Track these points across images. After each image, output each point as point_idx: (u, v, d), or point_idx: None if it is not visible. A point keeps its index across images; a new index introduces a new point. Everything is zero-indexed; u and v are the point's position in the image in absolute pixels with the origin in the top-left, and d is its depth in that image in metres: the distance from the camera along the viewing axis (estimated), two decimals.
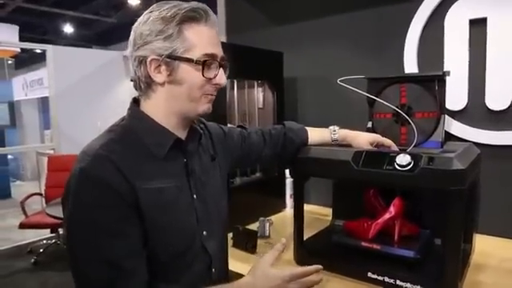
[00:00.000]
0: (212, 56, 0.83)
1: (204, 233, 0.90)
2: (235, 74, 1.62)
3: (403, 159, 1.04)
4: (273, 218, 1.67)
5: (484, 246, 1.36)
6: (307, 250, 1.27)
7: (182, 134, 0.90)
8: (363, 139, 1.23)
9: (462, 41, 1.50)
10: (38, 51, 4.41)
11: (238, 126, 1.26)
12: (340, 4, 1.82)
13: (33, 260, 3.68)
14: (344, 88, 1.35)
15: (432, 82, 1.29)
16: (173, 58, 0.80)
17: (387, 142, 1.24)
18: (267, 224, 1.52)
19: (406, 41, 1.62)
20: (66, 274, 3.55)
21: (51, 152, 4.35)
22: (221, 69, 0.86)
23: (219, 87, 0.87)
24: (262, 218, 1.54)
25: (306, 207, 1.31)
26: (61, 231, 3.90)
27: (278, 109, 1.84)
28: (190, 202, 0.89)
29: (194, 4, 0.82)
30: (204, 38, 0.83)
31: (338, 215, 1.50)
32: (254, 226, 1.58)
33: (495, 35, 1.44)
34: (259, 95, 1.86)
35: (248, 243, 1.39)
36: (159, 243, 0.81)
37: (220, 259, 0.97)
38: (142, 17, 0.83)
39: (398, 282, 1.07)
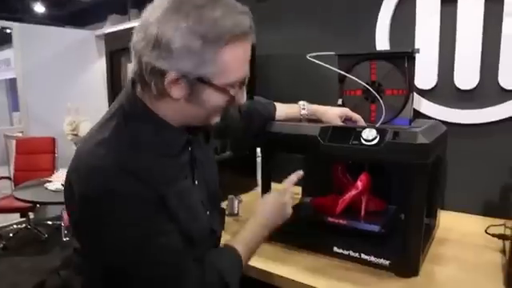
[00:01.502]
0: (242, 80, 0.74)
1: (208, 213, 0.89)
2: None
3: (369, 134, 1.03)
4: (244, 196, 1.65)
5: (449, 221, 1.38)
6: None
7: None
8: (333, 113, 1.22)
9: (433, 20, 1.50)
10: (8, 31, 4.22)
11: None
12: None
13: (2, 245, 3.59)
14: (316, 65, 1.33)
15: (402, 59, 1.29)
16: (200, 81, 0.69)
17: (355, 116, 1.23)
18: (236, 202, 1.50)
19: (379, 18, 1.61)
20: (37, 259, 3.51)
21: (19, 135, 4.21)
22: (244, 88, 0.77)
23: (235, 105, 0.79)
24: (230, 196, 1.52)
25: (276, 186, 1.30)
26: (31, 215, 3.81)
27: (249, 86, 1.79)
28: (197, 192, 0.85)
29: (242, 18, 0.68)
30: (240, 60, 0.71)
31: (307, 192, 1.49)
32: (224, 205, 1.57)
33: (465, 15, 1.44)
34: None
35: None
36: (183, 237, 0.78)
37: (220, 233, 0.98)
38: (172, 8, 0.65)
39: (363, 256, 1.08)
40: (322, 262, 1.12)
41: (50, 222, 4.06)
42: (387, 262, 1.04)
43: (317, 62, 1.31)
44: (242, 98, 0.77)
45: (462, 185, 1.49)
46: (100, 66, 4.29)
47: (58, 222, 3.99)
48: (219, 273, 0.79)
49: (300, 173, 1.03)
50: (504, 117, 1.41)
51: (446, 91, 1.52)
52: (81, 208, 0.71)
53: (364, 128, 1.05)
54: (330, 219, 1.19)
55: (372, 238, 1.13)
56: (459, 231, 1.32)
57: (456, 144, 1.40)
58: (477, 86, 1.45)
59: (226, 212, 1.42)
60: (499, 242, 1.19)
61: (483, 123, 1.45)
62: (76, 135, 2.99)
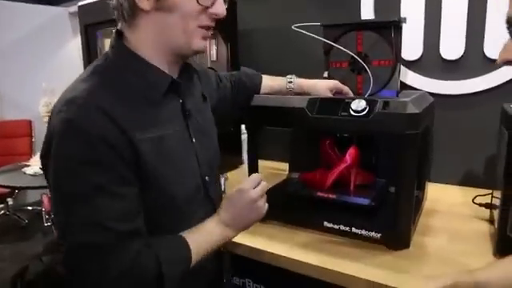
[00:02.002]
0: None
1: (207, 178, 0.85)
2: None
3: (358, 105, 1.00)
4: (229, 174, 1.62)
5: (436, 193, 1.39)
6: None
7: (174, 73, 0.80)
8: (322, 86, 1.19)
9: None
10: None
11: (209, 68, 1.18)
12: None
13: None
14: (300, 38, 1.28)
15: (388, 29, 1.25)
16: None
17: (345, 88, 1.21)
18: (222, 179, 1.46)
19: None
20: (18, 245, 3.42)
21: None
22: None
23: (217, 18, 0.76)
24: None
25: (263, 163, 1.28)
26: (10, 201, 3.71)
27: (232, 61, 1.75)
28: (190, 147, 0.81)
29: None
30: None
31: (294, 168, 1.47)
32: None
33: None
34: (212, 47, 1.77)
35: None
36: (163, 194, 0.73)
37: (219, 204, 0.88)
38: None
39: (354, 230, 1.06)
40: (312, 237, 1.11)
41: (29, 208, 3.95)
42: (378, 235, 1.03)
43: (302, 31, 1.27)
44: (220, 6, 0.75)
45: (447, 156, 1.49)
46: (75, 44, 4.11)
47: (39, 208, 3.89)
48: (157, 259, 0.70)
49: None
50: (489, 87, 1.41)
51: (431, 62, 1.50)
52: (46, 144, 0.68)
53: (353, 99, 1.02)
54: (320, 194, 1.18)
55: (362, 212, 1.12)
56: (447, 202, 1.33)
57: (441, 115, 1.39)
58: (462, 55, 1.43)
59: None
60: (486, 212, 1.19)
61: (468, 93, 1.44)
62: None
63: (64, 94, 0.70)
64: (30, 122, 3.68)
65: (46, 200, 2.57)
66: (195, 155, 0.83)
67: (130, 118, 0.68)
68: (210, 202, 0.87)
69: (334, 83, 1.21)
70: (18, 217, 3.70)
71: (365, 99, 1.01)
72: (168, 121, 0.77)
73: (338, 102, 1.05)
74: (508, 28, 0.70)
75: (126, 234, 0.67)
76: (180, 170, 0.78)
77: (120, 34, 0.76)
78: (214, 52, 1.76)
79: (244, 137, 1.84)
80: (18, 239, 3.36)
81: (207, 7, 0.73)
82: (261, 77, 1.21)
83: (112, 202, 0.66)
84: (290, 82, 1.22)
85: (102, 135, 0.64)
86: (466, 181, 1.47)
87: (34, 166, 2.81)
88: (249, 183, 0.83)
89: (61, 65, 3.97)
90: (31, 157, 3.27)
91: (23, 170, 2.82)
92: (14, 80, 3.83)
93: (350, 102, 1.01)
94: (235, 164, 1.83)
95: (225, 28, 1.72)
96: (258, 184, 0.84)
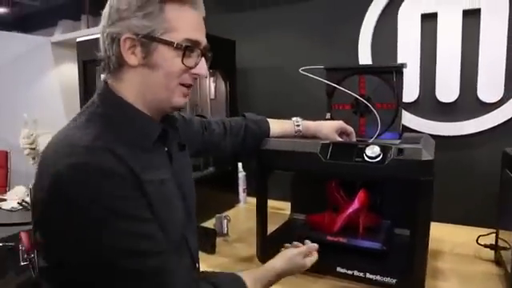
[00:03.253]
0: (195, 43, 0.74)
1: (185, 225, 0.83)
2: None
3: (373, 151, 1.02)
4: (227, 213, 1.59)
5: (437, 233, 1.39)
6: (271, 246, 1.21)
7: (157, 121, 0.80)
8: (328, 128, 1.20)
9: (414, 34, 1.54)
10: None
11: (197, 116, 1.17)
12: None
13: None
14: (299, 78, 1.31)
15: (390, 73, 1.30)
16: (150, 39, 0.71)
17: (349, 129, 1.22)
18: (225, 221, 1.44)
19: (361, 32, 1.63)
20: None
21: None
22: (203, 58, 0.77)
23: (198, 78, 0.78)
24: (218, 215, 1.46)
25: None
26: None
27: (231, 99, 1.76)
28: (176, 194, 0.80)
29: None
30: (188, 22, 0.74)
31: (296, 209, 1.46)
32: (208, 223, 1.50)
33: (445, 30, 1.49)
34: (211, 85, 1.77)
35: (206, 243, 1.30)
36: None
37: (198, 254, 0.91)
38: None
39: (368, 275, 1.06)
40: (327, 283, 1.09)
41: (0, 244, 3.73)
42: (394, 281, 1.02)
43: (309, 75, 1.29)
44: (202, 68, 0.78)
45: (446, 196, 1.51)
46: (56, 74, 4.03)
47: (11, 243, 3.68)
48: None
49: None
50: (483, 128, 1.47)
51: (427, 104, 1.55)
52: (49, 190, 0.64)
53: (366, 145, 1.04)
54: (330, 238, 1.17)
55: (373, 256, 1.12)
56: (450, 242, 1.35)
57: (439, 155, 1.42)
58: (457, 99, 1.50)
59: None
60: (491, 252, 1.22)
61: (464, 135, 1.50)
62: (34, 149, 2.77)
63: (62, 140, 0.69)
64: (6, 153, 3.52)
65: (24, 237, 2.43)
66: (181, 200, 0.82)
67: (134, 161, 0.68)
68: (188, 250, 0.85)
69: (339, 124, 1.23)
70: None
71: (379, 145, 1.02)
72: (162, 166, 0.78)
73: (351, 148, 1.06)
74: None
75: (169, 256, 0.69)
76: (173, 215, 0.78)
77: (106, 83, 0.77)
78: (212, 90, 1.77)
79: (241, 175, 1.82)
80: None
81: (190, 68, 0.75)
82: (267, 122, 1.21)
83: (150, 227, 0.67)
84: (298, 125, 1.23)
85: (117, 171, 0.65)
86: (466, 220, 1.49)
87: (11, 200, 2.67)
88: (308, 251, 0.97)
89: (41, 95, 3.86)
90: (7, 190, 3.12)
91: None
92: None
93: (364, 148, 1.03)
94: (232, 203, 1.81)
95: (224, 66, 1.74)
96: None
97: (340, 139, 1.18)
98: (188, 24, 0.74)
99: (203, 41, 0.77)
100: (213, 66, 1.69)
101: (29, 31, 5.26)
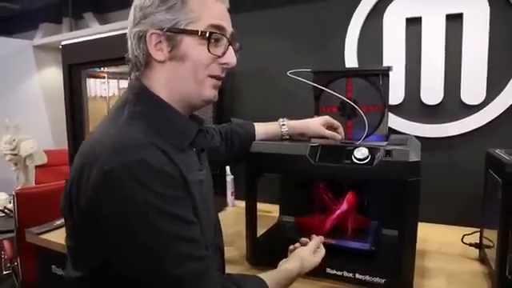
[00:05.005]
0: (220, 28, 0.74)
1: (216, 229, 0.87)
2: None
3: (361, 152, 1.03)
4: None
5: (423, 232, 1.41)
6: (260, 249, 1.22)
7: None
8: (314, 123, 1.20)
9: (399, 38, 1.56)
10: None
11: None
12: None
13: None
14: (285, 81, 1.32)
15: (376, 76, 1.32)
16: (175, 32, 0.71)
17: (336, 123, 1.21)
18: None
19: (347, 36, 1.65)
20: None
21: None
22: (230, 47, 0.76)
23: (228, 68, 0.77)
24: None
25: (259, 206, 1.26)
26: None
27: (217, 103, 1.76)
28: (210, 195, 0.84)
29: None
30: (211, 10, 0.73)
31: (285, 211, 1.47)
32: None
33: (429, 34, 1.52)
34: None
35: None
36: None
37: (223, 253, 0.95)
38: None
39: (357, 276, 1.07)
40: (317, 285, 1.10)
41: None
42: (382, 281, 1.04)
43: (298, 78, 1.30)
44: (230, 56, 0.77)
45: (431, 196, 1.54)
46: (38, 78, 3.97)
47: None
48: None
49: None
50: (467, 130, 1.50)
51: (412, 107, 1.58)
52: (99, 190, 0.62)
53: (354, 147, 1.06)
54: None
55: (362, 257, 1.13)
56: (437, 242, 1.37)
57: (423, 157, 1.45)
58: (441, 101, 1.53)
59: None
60: (476, 251, 1.24)
61: (448, 136, 1.53)
62: (16, 155, 2.71)
63: (108, 138, 0.67)
64: None
65: (7, 246, 2.38)
66: (213, 205, 0.85)
67: (178, 160, 0.68)
68: (220, 256, 0.89)
69: (325, 119, 1.23)
70: None
71: (366, 147, 1.04)
72: (196, 167, 0.78)
73: (339, 150, 1.07)
74: None
75: (208, 259, 0.69)
76: (209, 219, 0.80)
77: (138, 80, 0.77)
78: None
79: (229, 179, 1.82)
80: None
81: (218, 56, 0.74)
82: (253, 125, 1.22)
83: (192, 231, 0.67)
84: (284, 125, 1.23)
85: (167, 170, 0.65)
86: (452, 220, 1.52)
87: None
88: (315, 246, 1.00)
89: (23, 100, 3.80)
90: None
91: None
92: None
93: (353, 150, 1.04)
94: (220, 206, 1.80)
95: None
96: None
97: (328, 132, 1.18)
98: (211, 11, 0.73)
99: (229, 28, 0.77)
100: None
101: (10, 34, 5.16)
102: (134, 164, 0.62)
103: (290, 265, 0.92)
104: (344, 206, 1.19)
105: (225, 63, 0.76)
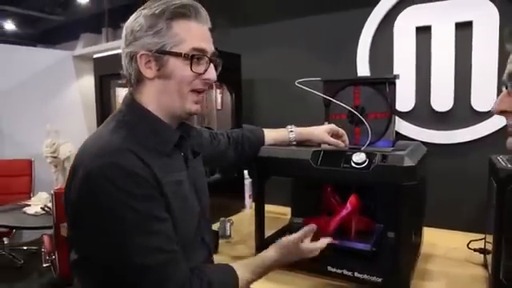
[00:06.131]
0: (201, 51, 0.83)
1: (201, 223, 0.93)
2: None
3: (359, 157, 1.09)
4: (232, 218, 1.68)
5: (432, 237, 1.45)
6: (267, 247, 1.29)
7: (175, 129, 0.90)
8: (320, 130, 1.27)
9: (409, 46, 1.60)
10: None
11: (205, 127, 1.27)
12: (296, 9, 1.88)
13: None
14: (300, 90, 1.39)
15: (383, 84, 1.37)
16: (162, 53, 0.80)
17: (341, 131, 1.27)
18: (228, 224, 1.53)
19: (359, 45, 1.71)
20: (14, 285, 3.34)
21: None
22: (211, 64, 0.86)
23: (209, 83, 0.87)
24: (222, 219, 1.55)
25: (265, 207, 1.34)
26: (6, 241, 3.68)
27: (236, 110, 1.86)
28: (193, 194, 0.91)
29: (184, 1, 0.83)
30: (193, 34, 0.83)
31: (296, 213, 1.54)
32: (214, 227, 1.59)
33: (439, 42, 1.55)
34: (218, 97, 1.87)
35: None
36: (178, 233, 0.81)
37: (212, 249, 1.01)
38: (133, 14, 0.84)
39: (356, 274, 1.12)
40: (317, 281, 1.16)
41: (25, 248, 3.92)
42: (379, 280, 1.09)
43: (304, 88, 1.38)
44: (211, 73, 0.86)
45: (441, 202, 1.57)
46: (77, 86, 4.24)
47: (34, 247, 3.86)
48: (210, 286, 0.80)
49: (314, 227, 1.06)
50: (476, 137, 1.52)
51: (423, 113, 1.61)
52: (81, 187, 0.74)
53: (353, 152, 1.12)
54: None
55: (363, 257, 1.18)
56: (443, 247, 1.39)
57: (434, 163, 1.48)
58: (451, 108, 1.55)
59: (219, 234, 1.44)
60: (481, 256, 1.26)
61: (458, 143, 1.55)
62: (56, 157, 2.94)
63: (93, 144, 0.79)
64: (30, 162, 3.71)
65: (46, 240, 2.58)
66: (196, 202, 0.92)
67: (153, 163, 0.78)
68: (206, 245, 0.95)
69: (330, 127, 1.29)
70: (13, 256, 3.66)
71: (364, 152, 1.10)
72: (178, 169, 0.88)
73: (339, 154, 1.14)
74: (508, 81, 0.76)
75: (179, 253, 0.78)
76: (190, 214, 0.88)
77: (131, 94, 0.88)
78: (219, 101, 1.87)
79: (247, 182, 1.91)
80: (14, 279, 3.31)
81: (200, 74, 0.84)
82: (262, 130, 1.30)
83: (165, 226, 0.77)
84: (291, 132, 1.30)
85: (140, 173, 0.75)
86: (460, 225, 1.54)
87: (35, 205, 2.83)
88: (303, 235, 1.01)
89: (63, 107, 4.07)
90: (31, 196, 3.29)
91: (24, 209, 2.84)
92: (17, 120, 3.91)
93: (351, 155, 1.10)
94: (238, 208, 1.89)
95: (230, 79, 1.84)
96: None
97: (332, 140, 1.24)
98: (193, 35, 0.83)
99: (210, 49, 0.86)
100: (219, 79, 1.81)
101: (53, 44, 5.51)
102: (108, 166, 0.73)
103: (267, 252, 0.98)
104: (347, 208, 1.25)
105: (206, 79, 0.86)
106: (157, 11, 0.81)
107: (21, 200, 3.18)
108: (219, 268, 0.89)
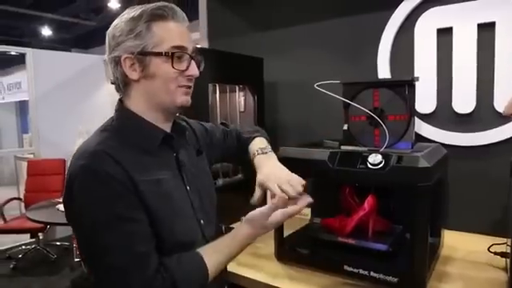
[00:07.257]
0: (181, 48, 0.87)
1: (202, 221, 0.96)
2: (217, 78, 1.69)
3: (375, 158, 1.12)
4: None
5: (453, 240, 1.45)
6: (287, 247, 1.33)
7: (167, 129, 0.95)
8: (258, 178, 1.12)
9: (430, 48, 1.60)
10: (13, 53, 4.37)
11: (221, 124, 1.31)
12: (317, 12, 1.91)
13: (12, 265, 3.63)
14: (321, 92, 1.42)
15: (402, 86, 1.38)
16: (144, 54, 0.85)
17: (274, 191, 1.03)
18: None
19: (379, 48, 1.71)
20: (47, 279, 3.54)
21: (31, 156, 4.30)
22: (192, 61, 0.90)
23: (192, 78, 0.92)
24: (243, 218, 1.59)
25: None
26: (41, 236, 3.87)
27: (259, 112, 1.90)
28: (184, 193, 0.94)
29: (160, 3, 0.87)
30: (172, 33, 0.87)
31: (316, 213, 1.56)
32: (235, 225, 1.63)
33: (460, 43, 1.54)
34: (240, 99, 1.92)
35: None
36: (163, 230, 0.85)
37: None
38: (114, 21, 0.89)
39: (372, 274, 1.14)
40: (332, 280, 1.19)
41: (58, 243, 4.11)
42: (395, 280, 1.10)
43: (323, 90, 1.40)
44: (193, 69, 0.90)
45: (464, 204, 1.55)
46: (107, 89, 4.41)
47: (66, 243, 4.04)
48: (173, 283, 0.81)
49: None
50: (500, 139, 1.50)
51: (444, 115, 1.60)
52: (65, 189, 0.82)
53: (370, 153, 1.14)
54: (340, 239, 1.26)
55: (380, 257, 1.20)
56: (463, 249, 1.39)
57: (456, 165, 1.47)
58: (474, 110, 1.54)
59: None
60: (502, 260, 1.25)
61: (481, 145, 1.53)
62: None
63: (80, 147, 0.86)
64: (64, 161, 3.90)
65: None
66: (189, 200, 0.95)
67: (131, 162, 0.83)
68: (205, 243, 0.96)
69: (262, 181, 1.10)
70: (47, 251, 3.84)
71: (380, 153, 1.12)
72: (164, 168, 0.91)
73: (356, 156, 1.16)
74: None
75: (146, 254, 0.81)
76: (178, 212, 0.90)
77: (121, 101, 0.93)
78: (242, 103, 1.92)
79: None
80: (48, 273, 3.49)
81: (182, 70, 0.88)
82: (255, 138, 1.23)
83: (131, 226, 0.80)
84: (254, 155, 1.19)
85: (110, 173, 0.79)
86: (483, 229, 1.52)
87: None
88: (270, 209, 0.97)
89: (94, 109, 4.25)
90: None
91: (57, 206, 2.99)
92: (52, 121, 4.11)
93: (368, 156, 1.13)
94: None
95: (252, 82, 1.89)
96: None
97: (276, 189, 1.03)
98: (172, 35, 0.87)
99: (189, 46, 0.90)
100: (242, 82, 1.87)
101: (86, 49, 5.74)
102: (80, 168, 0.79)
103: (238, 229, 0.98)
104: (364, 209, 1.27)
105: (189, 75, 0.90)
106: (135, 15, 0.85)
107: (55, 197, 3.35)
108: (186, 260, 0.87)
